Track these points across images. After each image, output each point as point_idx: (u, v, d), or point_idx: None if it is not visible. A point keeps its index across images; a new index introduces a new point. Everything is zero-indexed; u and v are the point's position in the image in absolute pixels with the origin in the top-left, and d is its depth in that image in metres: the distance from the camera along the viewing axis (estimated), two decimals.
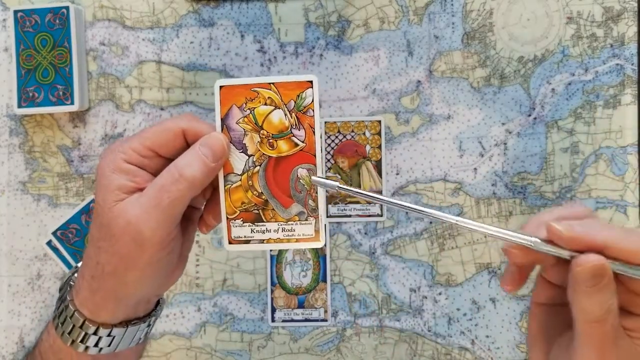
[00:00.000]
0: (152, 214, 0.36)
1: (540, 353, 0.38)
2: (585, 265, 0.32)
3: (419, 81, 0.57)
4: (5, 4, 0.58)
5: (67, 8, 0.55)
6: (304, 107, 0.38)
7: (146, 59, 0.58)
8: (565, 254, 0.33)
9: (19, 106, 0.56)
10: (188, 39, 0.57)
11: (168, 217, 0.36)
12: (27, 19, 0.56)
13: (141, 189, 0.37)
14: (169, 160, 0.38)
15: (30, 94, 0.56)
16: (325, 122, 0.57)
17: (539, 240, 0.34)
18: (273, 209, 0.38)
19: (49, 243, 0.58)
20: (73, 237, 0.58)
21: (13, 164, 0.59)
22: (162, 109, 0.58)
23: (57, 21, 0.56)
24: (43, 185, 0.58)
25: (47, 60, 0.56)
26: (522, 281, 0.37)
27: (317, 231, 0.38)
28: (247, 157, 0.38)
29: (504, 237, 0.34)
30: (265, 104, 0.38)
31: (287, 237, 0.39)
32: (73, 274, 0.42)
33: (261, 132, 0.38)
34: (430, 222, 0.57)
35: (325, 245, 0.57)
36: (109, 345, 0.40)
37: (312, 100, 0.38)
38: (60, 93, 0.56)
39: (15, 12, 0.56)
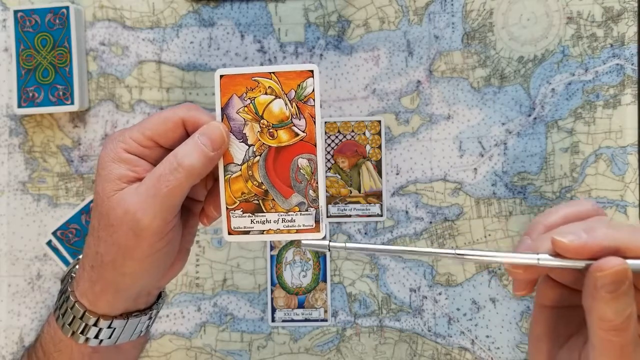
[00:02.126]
0: (150, 203, 0.35)
1: (545, 357, 0.36)
2: (607, 270, 0.30)
3: (419, 81, 0.57)
4: (5, 4, 0.58)
5: (67, 8, 0.55)
6: (305, 97, 0.37)
7: (146, 59, 0.58)
8: (576, 264, 0.32)
9: (19, 106, 0.56)
10: (188, 39, 0.57)
11: (166, 207, 0.36)
12: (27, 19, 0.56)
13: (141, 179, 0.37)
14: (169, 150, 0.37)
15: (30, 94, 0.56)
16: (325, 122, 0.57)
17: (546, 256, 0.32)
18: (273, 200, 0.38)
19: (49, 243, 0.58)
20: (73, 237, 0.58)
21: (13, 164, 0.59)
22: (162, 109, 0.58)
23: (57, 21, 0.56)
24: (43, 185, 0.58)
25: (47, 60, 0.56)
26: (533, 284, 0.36)
27: (317, 222, 0.38)
28: (247, 147, 0.38)
29: (509, 261, 0.33)
30: (266, 94, 0.38)
31: (287, 228, 0.38)
32: (75, 265, 0.41)
33: (261, 121, 0.38)
34: (430, 222, 0.57)
35: (325, 238, 0.57)
36: (110, 337, 0.39)
37: (313, 90, 0.37)
38: (60, 93, 0.56)
39: (15, 12, 0.56)
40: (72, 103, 0.56)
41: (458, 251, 0.34)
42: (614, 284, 0.31)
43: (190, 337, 0.58)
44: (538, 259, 0.32)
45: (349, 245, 0.36)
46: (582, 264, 0.32)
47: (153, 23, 0.58)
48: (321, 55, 0.57)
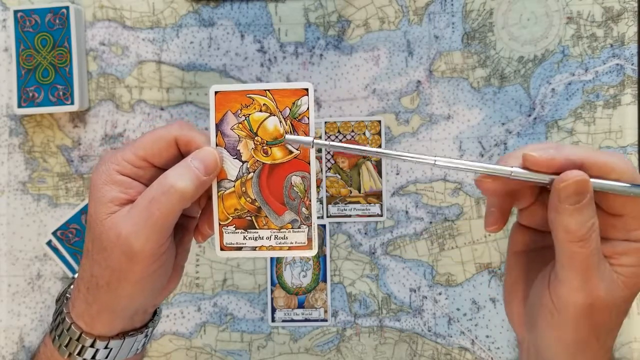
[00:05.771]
0: (142, 227, 0.35)
1: (519, 304, 0.39)
2: (568, 180, 0.33)
3: (419, 81, 0.57)
4: (5, 4, 0.58)
5: (67, 8, 0.55)
6: (299, 115, 0.38)
7: (146, 59, 0.58)
8: (544, 178, 0.34)
9: (19, 106, 0.56)
10: (188, 39, 0.57)
11: (159, 230, 0.36)
12: (27, 19, 0.56)
13: (133, 201, 0.37)
14: (162, 170, 0.37)
15: (30, 94, 0.56)
16: (325, 122, 0.57)
17: (519, 169, 0.34)
18: (266, 216, 0.38)
19: (49, 243, 0.58)
20: (73, 237, 0.58)
21: (13, 164, 0.59)
22: (162, 109, 0.58)
23: (57, 21, 0.56)
24: (43, 185, 0.58)
25: (47, 60, 0.56)
26: (504, 219, 0.37)
27: (309, 239, 0.38)
28: (241, 164, 0.38)
29: (485, 171, 0.35)
30: (261, 111, 0.38)
31: (279, 245, 0.38)
32: (69, 286, 0.41)
33: (255, 138, 0.38)
34: (430, 222, 0.57)
35: (325, 245, 0.57)
36: (107, 357, 0.39)
37: (307, 108, 0.38)
38: (60, 93, 0.56)
39: (15, 12, 0.56)
40: (72, 103, 0.56)
41: (437, 159, 0.36)
42: (576, 196, 0.33)
43: (190, 337, 0.58)
44: (511, 172, 0.34)
45: (332, 143, 0.37)
46: (548, 179, 0.34)
47: (153, 23, 0.58)
48: (321, 55, 0.57)
